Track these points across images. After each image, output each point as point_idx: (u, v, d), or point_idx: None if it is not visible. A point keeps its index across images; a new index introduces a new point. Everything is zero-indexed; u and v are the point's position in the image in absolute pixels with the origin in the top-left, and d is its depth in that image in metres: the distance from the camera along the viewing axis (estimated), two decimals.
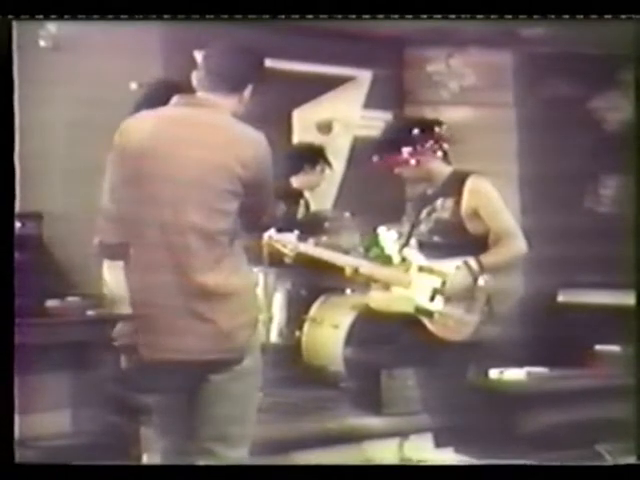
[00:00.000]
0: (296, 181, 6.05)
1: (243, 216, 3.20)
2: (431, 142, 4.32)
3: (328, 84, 6.98)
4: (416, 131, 4.33)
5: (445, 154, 4.36)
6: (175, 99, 3.26)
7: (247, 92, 3.28)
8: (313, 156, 6.15)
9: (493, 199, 4.25)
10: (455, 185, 4.26)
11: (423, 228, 4.33)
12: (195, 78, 3.28)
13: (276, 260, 5.09)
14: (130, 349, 3.20)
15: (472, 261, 4.15)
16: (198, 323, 3.12)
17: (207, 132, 3.17)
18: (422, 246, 4.31)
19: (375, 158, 4.40)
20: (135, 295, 3.18)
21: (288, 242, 4.72)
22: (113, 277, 3.24)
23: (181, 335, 3.12)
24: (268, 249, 4.94)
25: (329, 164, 6.18)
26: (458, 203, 4.22)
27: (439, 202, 4.29)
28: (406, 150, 4.28)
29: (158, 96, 3.45)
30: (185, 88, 3.30)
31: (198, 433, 3.22)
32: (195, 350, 3.13)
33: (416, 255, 4.31)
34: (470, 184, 4.24)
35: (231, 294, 3.16)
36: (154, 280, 3.13)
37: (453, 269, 4.18)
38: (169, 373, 3.16)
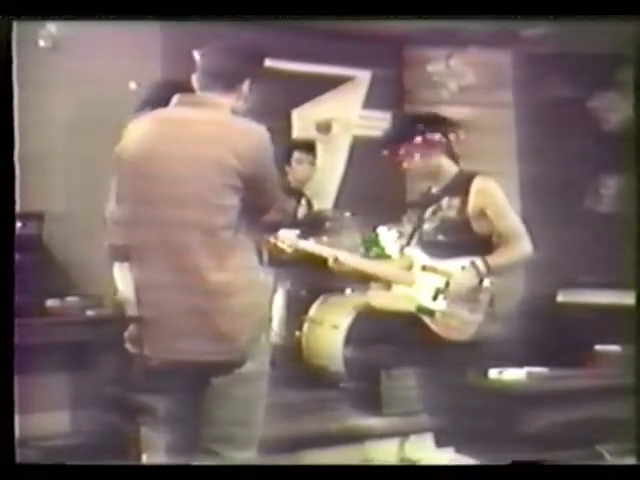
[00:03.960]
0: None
1: (247, 211, 3.15)
2: (442, 138, 4.30)
3: (328, 84, 6.98)
4: (428, 125, 4.31)
5: (454, 154, 4.34)
6: (175, 99, 3.27)
7: (245, 87, 3.26)
8: (302, 149, 6.15)
9: (500, 199, 4.23)
10: (461, 184, 4.24)
11: (428, 227, 4.31)
12: (194, 79, 3.29)
13: (274, 258, 5.08)
14: (136, 350, 3.19)
15: (479, 262, 4.13)
16: (200, 323, 3.09)
17: (204, 128, 3.15)
18: (426, 245, 4.30)
19: (385, 152, 4.36)
20: (139, 295, 3.16)
21: (286, 238, 4.70)
22: (122, 279, 3.23)
23: (182, 335, 3.10)
24: (266, 246, 4.92)
25: (314, 155, 6.18)
26: (465, 202, 4.20)
27: (445, 201, 4.27)
28: (418, 139, 4.25)
29: (161, 96, 3.45)
30: (187, 88, 3.30)
31: (202, 434, 3.19)
32: (196, 351, 3.10)
33: (419, 254, 4.30)
34: (477, 184, 4.21)
35: (235, 294, 3.11)
36: (157, 279, 3.11)
37: (457, 269, 4.16)
38: (172, 374, 3.14)
